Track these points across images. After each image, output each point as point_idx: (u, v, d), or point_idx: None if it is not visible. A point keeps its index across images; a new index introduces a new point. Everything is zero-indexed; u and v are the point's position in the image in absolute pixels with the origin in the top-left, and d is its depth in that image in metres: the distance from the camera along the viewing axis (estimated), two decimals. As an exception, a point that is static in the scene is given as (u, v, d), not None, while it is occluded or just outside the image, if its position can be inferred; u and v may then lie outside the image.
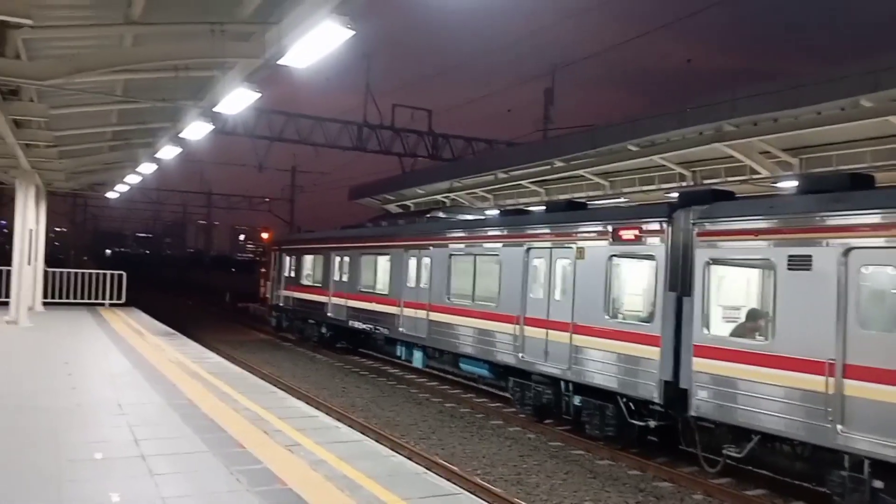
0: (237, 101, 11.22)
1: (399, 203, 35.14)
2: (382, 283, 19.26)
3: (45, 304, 23.23)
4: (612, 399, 11.29)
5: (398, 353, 18.91)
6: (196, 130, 14.11)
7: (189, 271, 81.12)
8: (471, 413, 14.63)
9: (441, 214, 19.48)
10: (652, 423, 10.76)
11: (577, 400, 12.10)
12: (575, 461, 11.30)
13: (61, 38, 10.99)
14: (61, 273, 24.62)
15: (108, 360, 13.39)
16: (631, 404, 10.97)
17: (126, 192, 32.29)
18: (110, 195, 35.07)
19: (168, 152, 17.21)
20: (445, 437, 12.61)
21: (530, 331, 12.93)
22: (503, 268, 13.91)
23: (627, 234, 11.13)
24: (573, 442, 12.24)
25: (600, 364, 11.37)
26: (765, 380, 8.67)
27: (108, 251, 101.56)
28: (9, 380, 11.04)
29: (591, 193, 22.55)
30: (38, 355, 13.84)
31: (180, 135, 15.18)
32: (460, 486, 7.28)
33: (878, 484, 7.70)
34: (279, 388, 12.76)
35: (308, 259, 25.11)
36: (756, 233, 9.13)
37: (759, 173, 16.86)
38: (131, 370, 12.31)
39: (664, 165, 19.41)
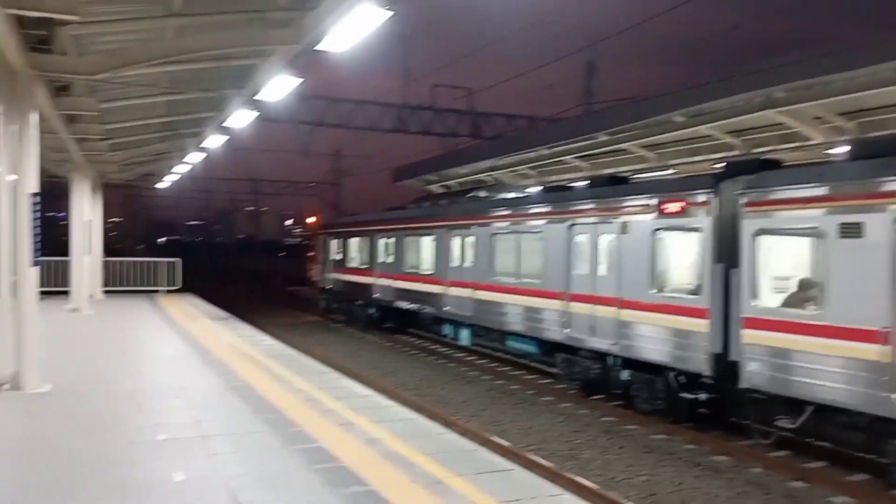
0: (279, 87, 11.33)
1: (441, 183, 35.12)
2: (427, 264, 19.52)
3: (104, 292, 24.01)
4: (661, 373, 11.31)
5: (445, 332, 19.11)
6: (240, 118, 14.32)
7: (239, 257, 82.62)
8: (521, 390, 14.64)
9: (483, 193, 19.54)
10: (703, 396, 10.75)
11: (625, 374, 12.15)
12: (629, 436, 11.23)
13: (107, 33, 11.23)
14: (119, 262, 25.42)
15: (165, 344, 13.79)
16: (681, 377, 10.93)
17: (176, 181, 33.00)
18: (161, 185, 35.89)
19: (214, 141, 17.51)
20: (497, 414, 12.66)
21: (576, 306, 13.01)
22: (547, 245, 14.01)
23: (672, 207, 11.08)
24: (626, 417, 12.16)
25: (648, 338, 11.38)
26: (818, 350, 8.57)
27: (161, 239, 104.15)
28: (74, 365, 11.46)
29: (636, 167, 22.17)
30: (99, 341, 14.33)
31: (225, 123, 15.42)
32: (513, 462, 7.30)
33: None
34: (332, 368, 12.95)
35: (353, 242, 25.53)
36: (805, 201, 8.98)
37: (811, 140, 16.31)
38: (188, 354, 12.65)
39: (711, 135, 18.92)
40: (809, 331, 8.74)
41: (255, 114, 13.86)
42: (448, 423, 11.22)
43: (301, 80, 10.76)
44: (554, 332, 13.62)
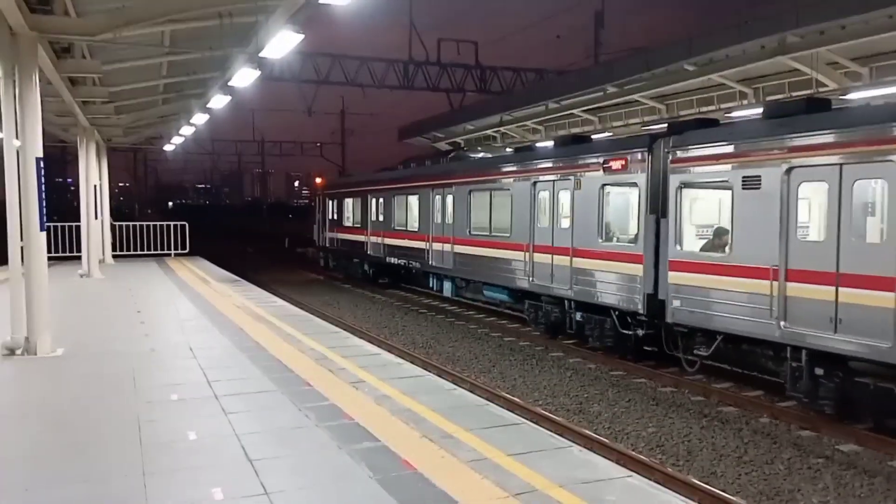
0: (282, 44, 11.14)
1: (449, 140, 34.84)
2: (413, 221, 20.77)
3: (114, 256, 24.18)
4: (608, 313, 12.58)
5: (430, 285, 20.55)
6: (244, 77, 14.12)
7: (248, 219, 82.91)
8: (530, 346, 14.71)
9: (462, 154, 20.79)
10: (640, 332, 12.05)
11: (578, 316, 13.53)
12: (637, 389, 11.29)
13: (107, -8, 11.07)
14: (127, 226, 25.52)
15: (176, 307, 13.89)
16: (627, 317, 12.16)
17: (182, 144, 32.88)
18: (167, 148, 35.79)
19: (219, 101, 17.34)
20: (506, 369, 12.74)
21: (539, 257, 14.28)
22: (514, 201, 15.20)
23: (616, 165, 12.28)
24: (634, 371, 12.22)
25: (596, 283, 12.69)
26: (725, 287, 9.98)
27: (170, 203, 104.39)
28: (86, 329, 11.58)
29: (646, 118, 21.89)
30: (111, 305, 14.45)
31: (229, 83, 15.24)
32: (522, 416, 7.36)
33: (819, 371, 8.96)
34: (341, 328, 13.05)
35: (348, 202, 26.85)
36: (717, 158, 10.22)
37: (825, 86, 16.00)
38: (199, 316, 12.75)
39: (724, 84, 18.62)
40: (719, 271, 10.12)
41: (258, 72, 13.66)
42: (457, 380, 11.33)
43: (303, 35, 10.57)
44: (521, 281, 14.92)
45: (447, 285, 19.37)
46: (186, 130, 24.44)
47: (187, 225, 25.62)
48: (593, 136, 16.33)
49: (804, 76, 16.31)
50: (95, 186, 20.35)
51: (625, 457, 7.96)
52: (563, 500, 4.81)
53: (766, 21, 15.79)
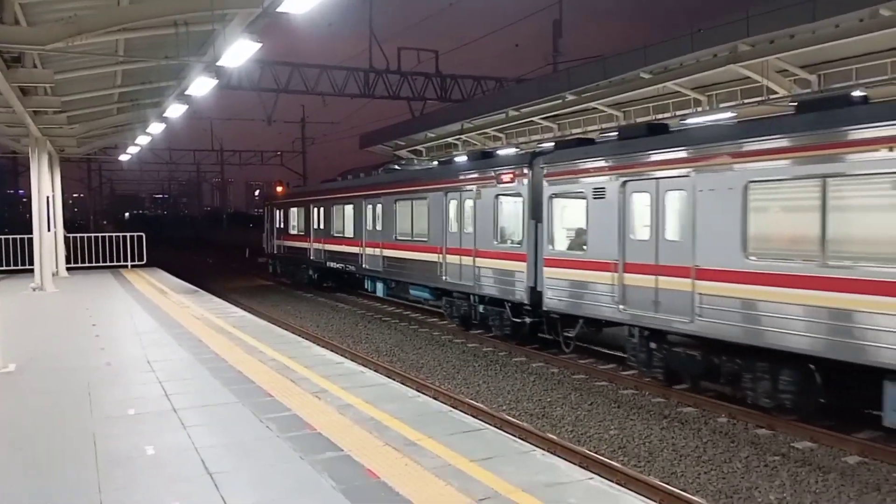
0: (239, 53, 11.08)
1: (410, 148, 34.88)
2: (349, 228, 22.67)
3: (68, 269, 23.60)
4: (503, 305, 14.66)
5: (366, 286, 22.55)
6: (201, 86, 14.00)
7: (207, 230, 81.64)
8: (493, 352, 14.77)
9: (395, 167, 22.53)
10: (527, 320, 14.08)
11: (482, 309, 15.58)
12: (599, 393, 11.42)
13: (58, 1, 10.86)
14: (82, 238, 24.95)
15: (133, 319, 13.62)
16: (522, 307, 14.08)
17: (138, 153, 32.31)
18: (123, 158, 35.16)
19: (175, 111, 17.13)
20: (470, 376, 12.77)
21: (450, 258, 16.32)
22: (430, 209, 17.17)
23: (506, 178, 14.41)
24: (596, 374, 12.37)
25: (493, 279, 14.76)
26: (583, 278, 12.19)
27: (126, 214, 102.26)
28: (39, 343, 11.28)
29: (604, 126, 22.20)
30: (65, 319, 14.11)
31: (186, 92, 15.08)
32: (486, 422, 7.39)
33: (653, 345, 10.99)
34: (303, 337, 12.93)
35: (293, 211, 28.80)
36: (576, 172, 12.46)
37: (776, 93, 16.44)
38: (157, 328, 12.52)
39: (679, 91, 18.99)
40: (579, 265, 12.31)
41: (216, 81, 13.54)
42: (421, 387, 11.32)
43: (260, 44, 10.51)
44: (436, 280, 16.91)
45: (380, 286, 21.31)
46: (142, 140, 24.06)
47: (144, 236, 25.16)
48: (500, 152, 18.81)
49: (755, 83, 16.74)
50: (48, 198, 19.85)
51: (588, 459, 8.05)
52: (526, 503, 4.84)
53: (717, 30, 16.18)
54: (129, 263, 24.58)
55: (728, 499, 7.27)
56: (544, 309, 13.21)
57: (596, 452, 8.54)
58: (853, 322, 8.01)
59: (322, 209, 25.17)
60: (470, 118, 28.08)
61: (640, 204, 11.07)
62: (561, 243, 13.13)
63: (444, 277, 16.46)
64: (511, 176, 14.21)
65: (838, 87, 15.04)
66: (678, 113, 19.51)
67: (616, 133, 12.97)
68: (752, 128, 9.93)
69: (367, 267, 21.13)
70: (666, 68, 18.30)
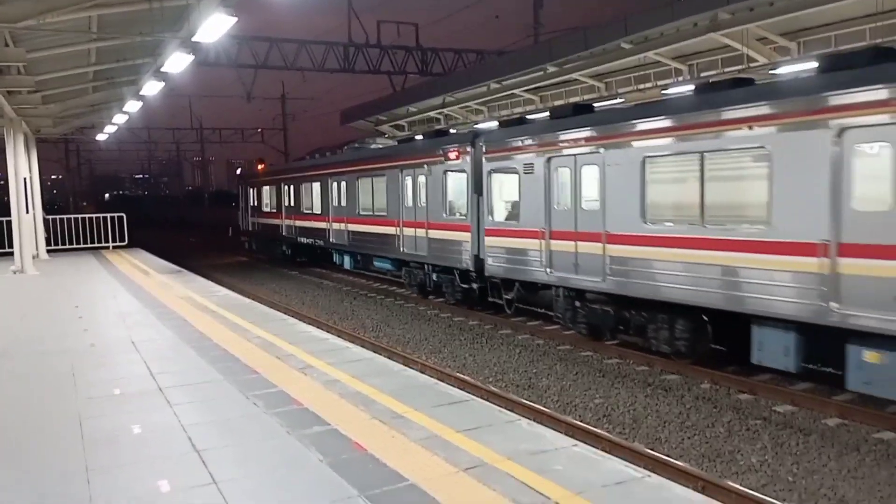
0: (215, 28, 10.91)
1: (392, 123, 34.64)
2: (317, 205, 23.84)
3: (49, 251, 23.37)
4: (453, 273, 15.98)
5: (334, 260, 23.58)
6: (177, 62, 13.78)
7: (188, 209, 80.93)
8: (479, 325, 14.85)
9: (357, 146, 23.52)
10: (475, 286, 15.48)
11: (435, 277, 16.92)
12: (584, 363, 11.53)
13: (26, -24, 10.60)
14: (62, 220, 24.65)
15: (116, 300, 13.54)
16: (469, 274, 15.44)
17: (116, 132, 31.87)
18: (100, 137, 34.65)
19: (152, 88, 16.87)
20: (456, 349, 12.84)
21: (407, 231, 17.58)
22: (389, 186, 18.39)
23: (452, 156, 15.62)
24: (581, 344, 12.48)
25: (443, 248, 16.02)
26: (516, 246, 13.49)
27: (106, 195, 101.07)
28: (22, 327, 11.19)
29: (586, 97, 22.13)
30: (47, 301, 13.98)
31: (162, 69, 14.83)
32: (472, 394, 7.44)
33: (578, 304, 12.37)
34: (288, 315, 12.92)
35: (266, 190, 30.09)
36: (510, 150, 13.69)
37: (756, 61, 16.45)
38: (141, 309, 12.46)
39: (659, 61, 18.95)
40: (514, 234, 13.53)
41: (192, 57, 13.32)
42: (407, 362, 11.38)
43: (236, 18, 10.35)
44: (395, 252, 18.24)
45: (347, 259, 22.61)
46: (119, 119, 23.72)
47: (125, 216, 24.91)
48: (452, 130, 20.04)
49: (736, 52, 16.73)
50: (25, 179, 19.56)
51: (573, 428, 8.14)
52: (512, 471, 4.90)
53: (698, -1, 16.11)
54: (111, 244, 24.37)
55: (711, 462, 7.40)
56: (486, 275, 14.59)
57: (581, 421, 8.65)
58: (729, 276, 9.34)
59: (292, 187, 26.42)
60: (451, 92, 27.89)
61: (562, 178, 12.41)
62: (499, 215, 14.36)
63: (401, 249, 17.85)
64: (456, 154, 15.49)
65: (814, 54, 15.06)
66: (660, 83, 19.47)
67: (548, 113, 14.06)
68: (646, 110, 11.09)
69: (334, 241, 22.53)
70: (646, 38, 18.23)
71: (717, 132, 9.39)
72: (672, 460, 7.23)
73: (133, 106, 20.08)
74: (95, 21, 12.83)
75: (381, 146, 22.11)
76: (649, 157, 10.52)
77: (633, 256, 10.84)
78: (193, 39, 12.28)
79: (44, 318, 12.05)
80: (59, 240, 24.00)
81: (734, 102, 9.20)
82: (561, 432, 6.59)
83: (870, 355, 7.99)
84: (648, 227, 10.55)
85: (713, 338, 10.38)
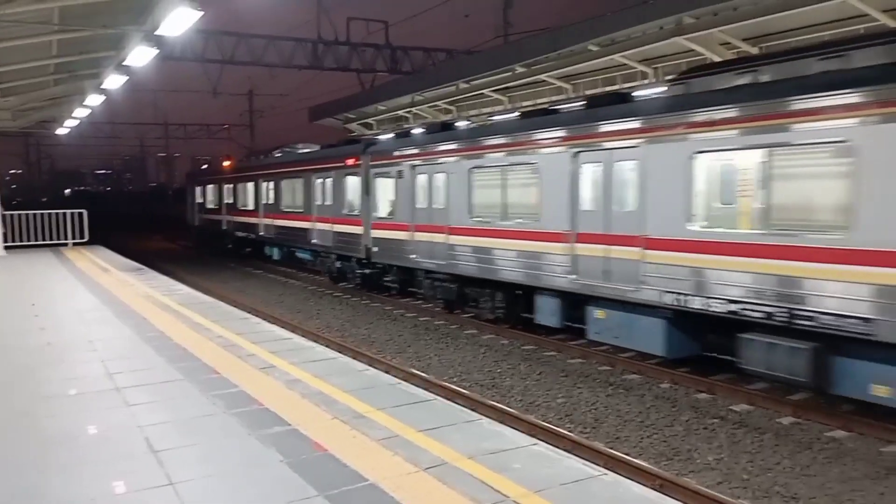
0: (179, 21, 10.77)
1: (361, 121, 34.50)
2: (252, 202, 27.01)
3: (6, 247, 22.78)
4: (351, 260, 19.28)
5: (266, 252, 26.53)
6: (141, 56, 13.58)
7: (152, 206, 79.54)
8: (445, 325, 14.87)
9: (283, 151, 26.50)
10: (367, 271, 18.67)
11: (339, 264, 20.19)
12: (547, 362, 11.63)
13: (-16, -34, 10.35)
14: (20, 215, 24.04)
15: (75, 298, 13.27)
16: (364, 261, 18.49)
17: (77, 127, 31.25)
18: (61, 132, 33.93)
19: (115, 81, 16.60)
20: (421, 349, 12.85)
21: (319, 225, 20.75)
22: (305, 186, 21.76)
23: (350, 162, 18.76)
24: (545, 345, 12.57)
25: (345, 240, 19.24)
26: (393, 237, 16.63)
27: (67, 191, 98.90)
28: (-24, 325, 10.90)
29: (553, 98, 22.29)
30: (2, 299, 13.65)
31: (125, 62, 14.59)
32: (435, 393, 7.45)
33: (436, 283, 15.62)
34: (252, 314, 12.80)
35: (209, 188, 33.32)
36: (386, 158, 17.10)
37: (719, 66, 16.69)
38: (100, 306, 12.23)
39: (626, 64, 19.16)
40: (391, 227, 16.83)
41: (156, 51, 13.13)
42: (372, 361, 11.35)
43: (202, 12, 10.23)
44: (310, 244, 21.39)
45: (275, 251, 25.61)
46: (81, 113, 23.27)
47: (86, 212, 24.41)
48: (363, 137, 23.61)
49: (700, 56, 16.99)
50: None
51: (535, 427, 8.21)
52: (472, 470, 4.93)
53: (663, 3, 16.33)
54: (71, 241, 23.87)
55: (669, 461, 7.52)
56: (373, 261, 17.87)
57: (544, 420, 8.72)
58: (534, 259, 12.17)
59: (232, 186, 29.53)
60: (421, 91, 27.87)
61: (422, 182, 15.62)
62: (382, 211, 17.49)
63: (314, 241, 21.04)
64: (353, 160, 18.53)
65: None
66: (626, 85, 19.69)
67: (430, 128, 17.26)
68: (469, 132, 14.91)
69: (264, 234, 25.53)
70: (613, 41, 18.43)
71: (507, 152, 13.05)
72: (630, 459, 7.33)
73: (95, 100, 19.73)
74: (57, 13, 12.58)
75: (304, 151, 24.89)
76: (474, 167, 13.86)
77: (464, 244, 14.10)
78: (157, 33, 12.11)
79: (0, 315, 11.77)
80: (18, 236, 23.44)
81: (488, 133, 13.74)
82: (523, 432, 6.64)
83: (599, 313, 11.16)
84: (474, 220, 13.86)
85: (523, 307, 13.26)
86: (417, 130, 18.90)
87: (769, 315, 8.46)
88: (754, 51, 16.38)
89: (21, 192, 78.39)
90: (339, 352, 9.95)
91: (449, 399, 7.51)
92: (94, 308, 12.12)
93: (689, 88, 9.95)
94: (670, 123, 9.64)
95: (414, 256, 15.68)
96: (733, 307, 8.85)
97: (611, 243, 10.67)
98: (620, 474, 5.34)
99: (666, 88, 11.35)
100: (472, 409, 7.19)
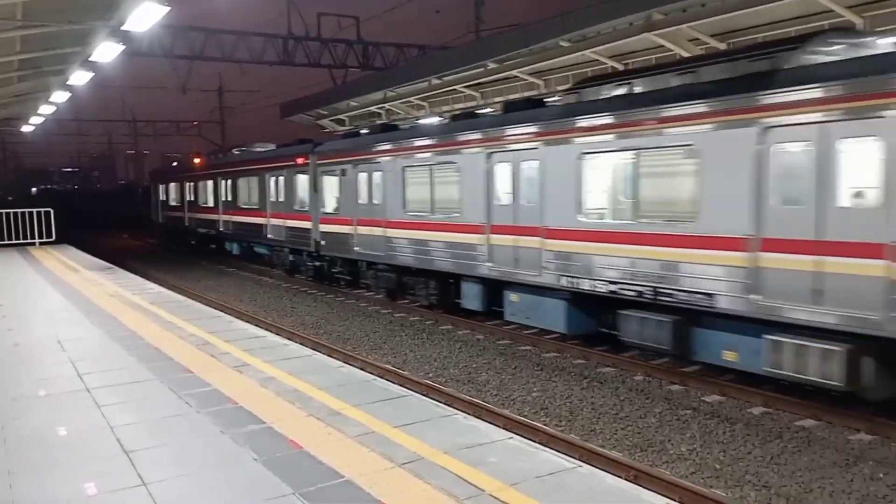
0: (146, 16, 10.63)
1: (333, 118, 34.28)
2: (210, 200, 28.24)
3: (-29, 248, 22.30)
4: (302, 254, 20.69)
5: (227, 247, 27.67)
6: (107, 52, 13.36)
7: (121, 203, 78.28)
8: (420, 321, 14.87)
9: (244, 148, 27.63)
10: (317, 263, 19.84)
11: (291, 257, 21.48)
12: (523, 357, 11.69)
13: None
14: (-16, 215, 23.55)
15: (43, 298, 13.03)
16: (313, 254, 19.64)
17: (43, 124, 30.66)
18: (26, 129, 33.26)
19: (80, 78, 16.32)
20: (396, 345, 12.83)
21: (273, 221, 22.04)
22: (260, 184, 22.98)
23: (300, 161, 19.89)
24: (520, 339, 12.63)
25: (295, 234, 20.45)
26: (338, 231, 17.83)
27: (33, 189, 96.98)
28: (-60, 327, 10.66)
29: (525, 94, 22.34)
30: (-32, 300, 13.35)
31: (91, 58, 14.35)
32: (410, 389, 7.45)
33: (377, 273, 16.88)
34: (224, 312, 12.68)
35: (172, 186, 34.52)
36: (330, 157, 18.38)
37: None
38: (68, 307, 12.03)
39: (597, 60, 19.25)
40: (335, 222, 18.01)
41: (122, 47, 12.92)
42: (347, 358, 11.31)
43: (168, 8, 10.09)
44: (265, 239, 22.61)
45: (234, 246, 26.81)
46: (46, 110, 22.85)
47: (53, 211, 23.98)
48: (318, 138, 24.01)
49: (669, 52, 17.14)
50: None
51: (511, 421, 8.25)
52: (448, 465, 4.94)
53: (633, -1, 16.44)
54: (38, 241, 23.43)
55: (643, 452, 7.61)
56: (322, 253, 18.95)
57: (519, 414, 8.76)
58: (459, 250, 13.44)
59: (192, 184, 30.64)
60: (393, 87, 27.75)
61: (363, 180, 16.75)
62: (329, 207, 18.56)
63: (269, 236, 22.22)
64: (303, 159, 19.64)
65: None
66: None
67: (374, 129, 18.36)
68: (408, 132, 15.93)
69: (223, 230, 26.80)
70: (584, 37, 18.51)
71: (434, 153, 14.28)
72: (605, 451, 7.40)
73: (61, 96, 19.37)
74: (20, 8, 12.31)
75: (260, 150, 25.66)
76: (406, 166, 15.07)
77: (400, 237, 15.23)
78: (124, 28, 11.92)
79: (-36, 317, 11.50)
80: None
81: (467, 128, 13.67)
82: (499, 426, 6.67)
83: (513, 297, 12.40)
84: (408, 215, 14.94)
85: (455, 294, 14.28)
86: (364, 131, 19.81)
87: (640, 293, 9.82)
88: (722, 47, 16.58)
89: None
90: (314, 349, 9.90)
91: (424, 395, 7.51)
92: (62, 308, 11.92)
93: (579, 97, 11.36)
94: (562, 129, 11.09)
95: (358, 249, 16.93)
96: (613, 287, 10.25)
97: (519, 234, 12.04)
98: (595, 466, 5.39)
99: (560, 97, 13.15)
100: (448, 405, 7.20)
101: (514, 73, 21.76)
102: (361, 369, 9.05)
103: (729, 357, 8.98)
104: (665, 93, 9.63)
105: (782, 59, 8.53)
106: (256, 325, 11.26)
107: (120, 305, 12.09)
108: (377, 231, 16.00)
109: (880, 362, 7.65)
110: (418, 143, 14.83)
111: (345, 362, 9.02)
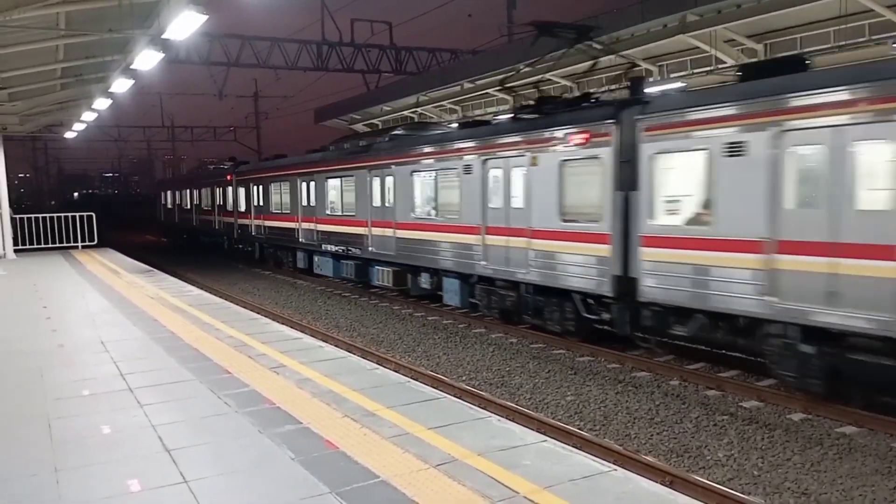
0: (185, 25, 10.80)
1: (366, 122, 34.55)
2: (209, 204, 33.03)
3: (17, 251, 22.95)
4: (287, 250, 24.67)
5: (222, 244, 32.17)
6: (147, 60, 13.62)
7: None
8: (453, 324, 14.90)
9: (225, 165, 32.41)
10: (303, 259, 23.21)
11: (271, 250, 26.14)
12: (556, 360, 11.64)
13: (-9, -28, 10.43)
14: (30, 219, 24.22)
15: (86, 300, 13.36)
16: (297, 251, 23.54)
17: (84, 130, 31.40)
18: (69, 135, 34.10)
19: (121, 85, 16.65)
20: (430, 348, 12.88)
21: (256, 222, 26.40)
22: (248, 192, 27.32)
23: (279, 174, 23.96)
24: (554, 343, 12.59)
25: (278, 233, 24.31)
26: (319, 230, 21.07)
27: (75, 194, 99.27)
28: (-12, 328, 11.00)
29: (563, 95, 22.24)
30: (15, 301, 13.76)
31: (132, 66, 14.66)
32: (444, 392, 7.49)
33: (347, 262, 20.00)
34: (261, 314, 12.86)
35: (171, 193, 41.43)
36: (286, 170, 23.59)
37: (724, 62, 16.71)
38: (110, 309, 12.32)
39: (631, 62, 19.09)
40: (315, 221, 21.24)
41: (162, 55, 13.18)
42: (380, 360, 11.39)
43: (207, 16, 10.27)
44: (257, 238, 26.59)
45: (225, 242, 31.40)
46: (88, 116, 23.37)
47: (94, 215, 24.57)
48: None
49: (704, 53, 16.98)
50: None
51: (545, 425, 8.23)
52: (482, 467, 4.96)
53: (667, 1, 16.32)
54: (80, 244, 24.01)
55: (679, 457, 7.53)
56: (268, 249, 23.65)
57: (553, 418, 8.74)
58: (459, 249, 14.48)
59: (189, 191, 36.93)
60: (425, 91, 27.89)
61: (335, 188, 19.61)
62: (308, 211, 21.55)
63: (301, 239, 23.73)
64: (229, 176, 26.13)
65: (783, 55, 15.37)
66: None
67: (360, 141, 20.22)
68: (415, 140, 16.65)
69: (220, 230, 31.52)
70: (618, 39, 18.41)
71: (436, 159, 15.37)
72: (640, 455, 7.34)
73: (102, 103, 19.80)
74: (63, 17, 12.66)
75: (223, 167, 31.28)
76: (414, 171, 16.04)
77: (408, 237, 16.40)
78: (163, 37, 12.15)
79: (11, 318, 11.86)
80: (28, 239, 23.59)
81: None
82: (533, 429, 6.67)
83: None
84: (413, 215, 16.08)
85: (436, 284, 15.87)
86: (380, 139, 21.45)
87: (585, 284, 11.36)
88: (759, 48, 16.36)
89: (29, 196, 78.76)
90: (349, 351, 10.01)
91: (457, 397, 7.54)
92: (104, 310, 12.21)
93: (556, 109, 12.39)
94: (545, 138, 12.03)
95: (325, 247, 20.34)
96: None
97: (510, 234, 12.96)
98: (630, 470, 5.36)
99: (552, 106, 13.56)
100: (481, 407, 7.22)
101: (548, 76, 21.70)
102: (395, 371, 9.13)
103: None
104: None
105: None
106: (292, 328, 11.40)
107: (159, 307, 12.34)
108: (388, 232, 17.42)
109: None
110: (426, 150, 15.75)
111: (378, 364, 9.09)
